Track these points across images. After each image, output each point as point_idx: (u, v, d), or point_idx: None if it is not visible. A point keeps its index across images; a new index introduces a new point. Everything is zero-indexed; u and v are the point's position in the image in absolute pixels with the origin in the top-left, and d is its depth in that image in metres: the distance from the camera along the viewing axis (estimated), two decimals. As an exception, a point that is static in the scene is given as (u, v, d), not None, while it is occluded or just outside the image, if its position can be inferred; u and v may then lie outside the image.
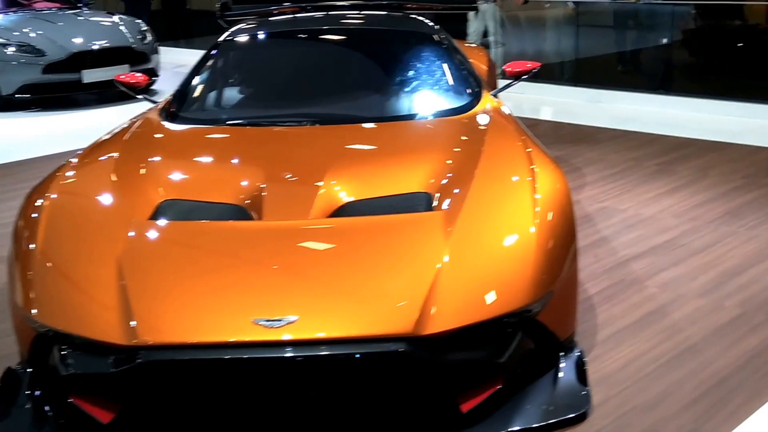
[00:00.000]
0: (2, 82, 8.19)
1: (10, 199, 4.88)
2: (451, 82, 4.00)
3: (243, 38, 4.32)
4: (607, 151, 5.94)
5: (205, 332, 2.37)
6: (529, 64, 4.51)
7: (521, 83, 4.61)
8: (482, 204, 2.85)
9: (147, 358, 2.33)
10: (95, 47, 8.44)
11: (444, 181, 3.03)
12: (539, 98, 8.05)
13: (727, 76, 8.06)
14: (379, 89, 3.93)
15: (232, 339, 2.35)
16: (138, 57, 8.73)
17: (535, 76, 4.54)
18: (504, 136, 3.43)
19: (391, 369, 2.43)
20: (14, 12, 9.10)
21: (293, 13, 4.76)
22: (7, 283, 2.78)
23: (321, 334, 2.36)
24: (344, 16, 4.63)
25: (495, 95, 4.26)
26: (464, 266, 2.58)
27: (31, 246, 2.74)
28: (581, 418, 2.62)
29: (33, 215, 2.90)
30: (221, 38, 4.31)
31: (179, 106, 3.90)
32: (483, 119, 3.61)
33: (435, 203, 2.92)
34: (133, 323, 2.37)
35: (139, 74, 4.52)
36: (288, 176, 3.17)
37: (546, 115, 7.57)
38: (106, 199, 3.00)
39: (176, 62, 9.77)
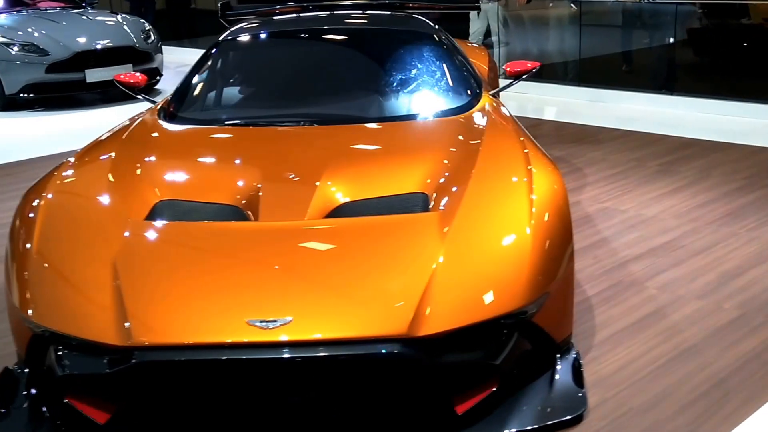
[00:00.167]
0: (6, 81, 8.22)
1: (12, 198, 4.86)
2: (450, 82, 4.00)
3: (242, 38, 4.32)
4: (609, 151, 5.93)
5: (200, 333, 2.37)
6: (529, 64, 4.49)
7: (525, 83, 4.59)
8: (478, 205, 2.84)
9: (141, 359, 2.33)
10: (99, 47, 8.46)
11: (441, 182, 3.02)
12: (542, 98, 8.04)
13: (732, 76, 8.02)
14: (378, 89, 3.92)
15: (227, 340, 2.34)
16: (141, 56, 8.75)
17: (539, 76, 4.55)
18: (502, 137, 3.42)
19: (386, 370, 2.42)
20: (18, 11, 9.12)
21: (294, 12, 4.76)
22: (5, 283, 2.78)
23: (315, 336, 2.36)
24: (344, 16, 4.63)
25: (495, 95, 4.25)
26: (459, 267, 2.58)
27: (27, 246, 2.75)
28: (577, 420, 2.61)
29: (30, 215, 2.91)
30: (221, 38, 4.31)
31: (177, 106, 3.90)
32: (481, 119, 3.60)
33: (432, 204, 2.91)
34: (127, 324, 2.38)
35: (138, 74, 4.52)
36: (284, 177, 3.16)
37: (549, 114, 7.55)
38: (102, 199, 3.00)
39: (180, 62, 9.79)
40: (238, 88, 4.20)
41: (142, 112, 3.95)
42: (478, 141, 3.31)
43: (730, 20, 8.44)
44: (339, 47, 4.32)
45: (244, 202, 2.99)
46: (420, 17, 4.65)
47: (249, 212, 2.92)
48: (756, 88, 7.32)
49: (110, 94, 8.57)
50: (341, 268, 2.59)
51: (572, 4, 8.70)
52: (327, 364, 2.36)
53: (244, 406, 2.43)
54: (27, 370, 2.67)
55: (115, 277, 2.53)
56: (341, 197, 2.99)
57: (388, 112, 3.78)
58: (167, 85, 8.49)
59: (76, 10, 9.30)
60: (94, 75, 8.30)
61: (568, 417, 2.60)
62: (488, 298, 2.51)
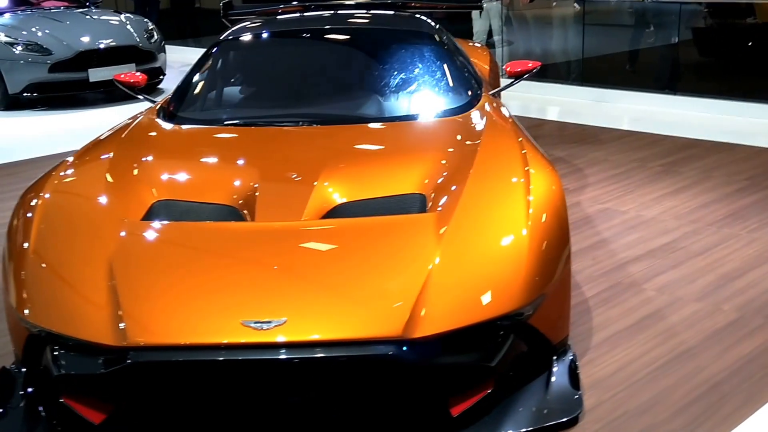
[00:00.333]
0: (9, 80, 8.24)
1: (14, 198, 4.85)
2: (450, 82, 3.99)
3: (243, 38, 4.31)
4: (611, 151, 5.91)
5: (195, 333, 2.37)
6: (530, 64, 4.47)
7: (528, 83, 4.58)
8: (475, 206, 2.83)
9: (136, 359, 2.33)
10: (102, 46, 8.48)
11: (438, 182, 3.02)
12: (545, 98, 8.03)
13: (738, 76, 8.00)
14: (377, 89, 3.92)
15: (221, 340, 2.34)
16: (144, 56, 8.77)
17: (542, 76, 4.53)
18: (500, 137, 3.41)
19: (380, 372, 2.42)
20: (23, 11, 9.15)
21: (296, 12, 4.76)
22: (2, 283, 2.79)
23: (309, 337, 2.36)
24: (344, 16, 4.62)
25: (495, 95, 4.25)
26: (456, 268, 2.57)
27: (25, 245, 2.75)
28: (573, 422, 2.61)
29: (28, 215, 2.92)
30: (221, 37, 4.32)
31: (177, 106, 3.90)
32: (480, 120, 3.60)
33: (429, 204, 2.91)
34: (122, 324, 2.38)
35: (138, 73, 4.53)
36: (281, 177, 3.17)
37: (551, 114, 7.54)
38: (99, 198, 3.00)
39: (184, 61, 9.80)
40: (237, 87, 4.21)
41: (142, 112, 3.96)
42: (477, 141, 3.30)
43: (736, 20, 8.41)
44: (338, 47, 4.32)
45: (241, 202, 2.99)
46: (421, 17, 4.64)
47: (246, 212, 2.92)
48: (761, 87, 7.30)
49: (113, 94, 8.59)
50: (337, 269, 2.59)
51: (575, 4, 8.68)
52: (321, 365, 2.36)
53: (238, 406, 2.43)
54: (24, 369, 2.68)
55: (110, 278, 2.53)
56: (338, 198, 2.99)
57: (387, 112, 3.78)
58: (171, 84, 8.49)
59: (80, 10, 9.32)
60: (97, 74, 8.32)
61: (564, 419, 2.59)
62: (484, 299, 2.51)
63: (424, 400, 2.51)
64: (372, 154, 3.48)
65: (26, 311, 2.54)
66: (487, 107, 3.76)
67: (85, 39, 8.48)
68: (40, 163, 5.90)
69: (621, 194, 4.89)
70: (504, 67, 4.63)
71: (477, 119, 3.61)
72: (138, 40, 8.81)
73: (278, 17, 4.72)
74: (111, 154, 3.34)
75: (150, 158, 3.33)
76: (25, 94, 8.28)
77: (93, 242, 2.72)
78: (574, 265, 3.79)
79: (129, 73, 4.46)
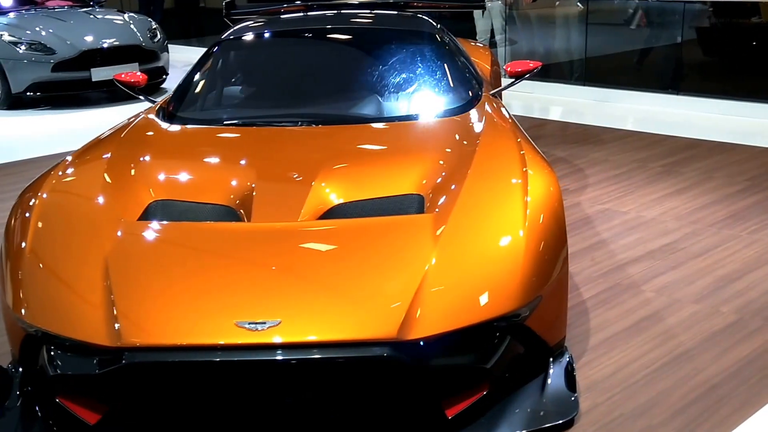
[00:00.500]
0: (12, 80, 8.25)
1: (17, 197, 4.91)
2: (450, 82, 3.98)
3: (244, 37, 4.31)
4: (612, 151, 5.90)
5: (189, 334, 2.37)
6: (531, 64, 4.46)
7: (531, 83, 4.57)
8: (473, 206, 2.83)
9: (131, 360, 2.33)
10: (105, 45, 8.49)
11: (437, 183, 3.01)
12: (547, 97, 8.01)
13: (742, 76, 7.97)
14: (377, 89, 3.91)
15: (215, 341, 2.34)
16: (147, 55, 8.77)
17: (545, 76, 4.52)
18: (499, 138, 3.41)
19: (375, 374, 2.42)
20: (27, 10, 9.17)
21: (298, 12, 4.76)
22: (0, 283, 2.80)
23: (304, 338, 2.35)
24: (345, 16, 4.62)
25: (495, 95, 4.24)
26: (452, 269, 2.57)
27: (22, 245, 2.76)
28: (568, 424, 2.60)
29: (25, 214, 2.92)
30: (222, 37, 4.32)
31: (177, 106, 3.90)
32: (480, 120, 3.59)
33: (428, 205, 2.90)
34: (117, 325, 2.38)
35: (139, 73, 4.53)
36: (279, 177, 3.16)
37: (553, 114, 7.52)
38: (97, 198, 2.99)
39: (187, 60, 9.78)
40: (237, 87, 4.20)
41: (141, 112, 3.96)
42: (475, 142, 3.29)
43: (741, 19, 8.38)
44: (338, 47, 4.32)
45: (238, 202, 2.99)
46: (423, 17, 4.63)
47: (242, 212, 2.92)
48: (765, 87, 7.27)
49: (116, 93, 8.59)
50: (332, 270, 2.58)
51: (578, 3, 8.67)
52: (315, 366, 2.36)
53: (232, 407, 2.43)
54: (21, 369, 2.68)
55: (106, 278, 2.53)
56: (336, 198, 2.98)
57: (386, 113, 3.77)
58: (174, 84, 8.50)
59: (84, 9, 9.34)
60: (99, 74, 8.32)
61: (560, 421, 2.59)
62: (480, 300, 2.50)
63: (418, 401, 2.50)
64: (370, 154, 3.47)
65: (23, 311, 2.55)
66: (487, 108, 3.75)
67: (89, 38, 8.49)
68: (43, 163, 5.91)
69: (621, 195, 4.88)
70: (504, 67, 4.61)
71: (476, 120, 3.61)
72: (141, 39, 8.82)
73: (279, 17, 4.72)
74: (109, 154, 3.34)
75: (148, 158, 3.33)
76: (28, 94, 8.30)
77: (89, 242, 2.72)
78: (572, 266, 3.78)
79: (129, 73, 4.46)
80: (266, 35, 4.37)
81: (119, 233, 2.75)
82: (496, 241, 2.71)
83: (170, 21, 12.20)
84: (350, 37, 4.37)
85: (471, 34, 8.59)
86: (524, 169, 3.01)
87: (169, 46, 9.38)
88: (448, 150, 3.30)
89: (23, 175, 5.82)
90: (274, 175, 3.17)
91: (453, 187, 2.93)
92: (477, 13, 8.48)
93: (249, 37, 4.33)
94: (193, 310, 2.44)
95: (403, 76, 3.96)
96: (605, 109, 7.51)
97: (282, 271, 2.58)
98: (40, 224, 2.84)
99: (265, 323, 2.35)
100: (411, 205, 2.94)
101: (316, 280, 2.55)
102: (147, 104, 4.20)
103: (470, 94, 3.89)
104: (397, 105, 3.84)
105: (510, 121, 3.67)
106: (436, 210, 2.82)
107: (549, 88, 8.15)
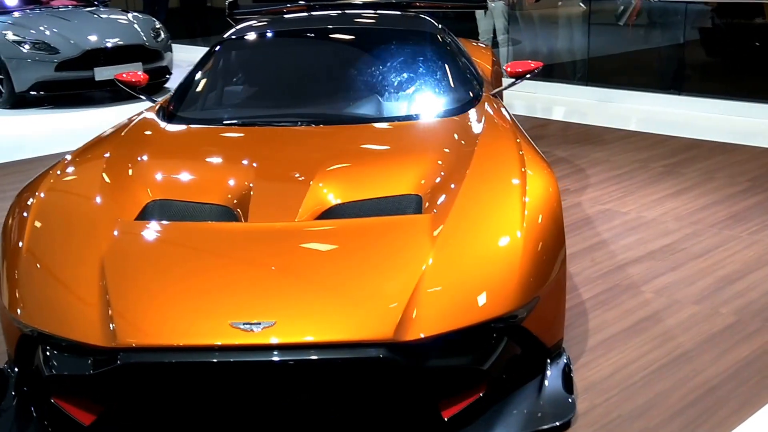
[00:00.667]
0: (16, 79, 8.27)
1: (16, 196, 4.92)
2: (450, 82, 3.97)
3: (245, 37, 4.31)
4: (614, 152, 5.89)
5: (184, 335, 2.37)
6: (532, 64, 4.45)
7: (533, 83, 4.56)
8: (471, 207, 2.82)
9: (126, 361, 2.33)
10: (109, 45, 8.50)
11: (435, 183, 3.00)
12: (550, 97, 7.99)
13: (745, 76, 7.94)
14: (377, 89, 3.91)
15: (210, 342, 2.33)
16: (151, 55, 8.78)
17: (548, 76, 4.50)
18: (498, 138, 3.39)
19: (371, 375, 2.41)
20: (32, 9, 9.19)
21: (301, 12, 4.76)
22: None
23: (298, 339, 2.35)
24: (347, 16, 4.62)
25: (495, 95, 4.23)
26: (449, 270, 2.56)
27: (19, 245, 2.75)
28: (565, 426, 2.59)
29: (23, 214, 2.92)
30: (224, 37, 4.32)
31: (177, 105, 3.90)
32: (479, 120, 3.58)
33: (426, 205, 2.90)
34: (112, 325, 2.38)
35: (140, 73, 4.53)
36: (277, 177, 3.16)
37: (555, 114, 7.51)
38: (94, 198, 2.99)
39: (192, 60, 9.73)
40: (238, 87, 4.20)
41: (142, 111, 3.96)
42: (474, 142, 3.28)
43: (744, 20, 8.36)
44: (339, 47, 4.31)
45: (235, 201, 2.98)
46: (424, 17, 4.62)
47: (239, 212, 2.92)
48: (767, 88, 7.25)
49: (119, 93, 8.59)
50: (328, 271, 2.57)
51: (581, 3, 8.65)
52: (310, 367, 2.35)
53: (227, 408, 2.43)
54: (16, 369, 2.68)
55: (101, 278, 2.53)
56: (333, 198, 2.97)
57: (386, 113, 3.77)
58: (177, 83, 8.51)
59: (88, 9, 9.36)
60: (102, 73, 8.33)
61: (557, 423, 2.58)
62: (478, 301, 2.49)
63: (415, 402, 2.50)
64: (369, 154, 3.47)
65: (18, 311, 2.54)
66: (487, 108, 3.74)
67: (92, 38, 8.50)
68: (46, 162, 5.88)
69: (622, 195, 4.86)
70: (504, 67, 4.60)
71: (476, 120, 3.60)
72: (144, 39, 8.83)
73: (281, 17, 4.72)
74: (108, 154, 3.34)
75: (146, 158, 3.33)
76: (31, 93, 8.31)
77: (86, 242, 2.72)
78: (572, 266, 3.78)
79: (130, 73, 4.45)
80: (268, 35, 4.37)
81: (116, 233, 2.75)
82: (493, 241, 2.70)
83: (176, 20, 12.21)
84: (350, 37, 4.36)
85: (473, 34, 8.58)
86: (523, 170, 3.00)
87: (174, 45, 9.39)
88: (447, 150, 3.29)
89: (26, 174, 5.81)
90: (272, 175, 3.17)
91: (452, 187, 2.92)
92: (479, 13, 8.46)
93: (250, 36, 4.33)
94: (188, 310, 2.43)
95: (404, 76, 3.95)
96: (607, 109, 7.49)
97: (278, 271, 2.58)
98: (37, 224, 2.84)
99: (259, 324, 2.35)
100: (409, 205, 2.93)
101: (312, 280, 2.54)
102: (149, 104, 4.20)
103: (470, 94, 3.88)
104: (396, 105, 3.83)
105: (510, 121, 3.66)
106: (434, 210, 2.81)
107: (552, 88, 8.13)
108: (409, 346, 2.37)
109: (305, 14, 4.74)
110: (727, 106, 7.05)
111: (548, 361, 2.73)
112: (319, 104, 3.88)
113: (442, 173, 3.07)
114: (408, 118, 3.68)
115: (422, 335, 2.37)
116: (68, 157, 3.39)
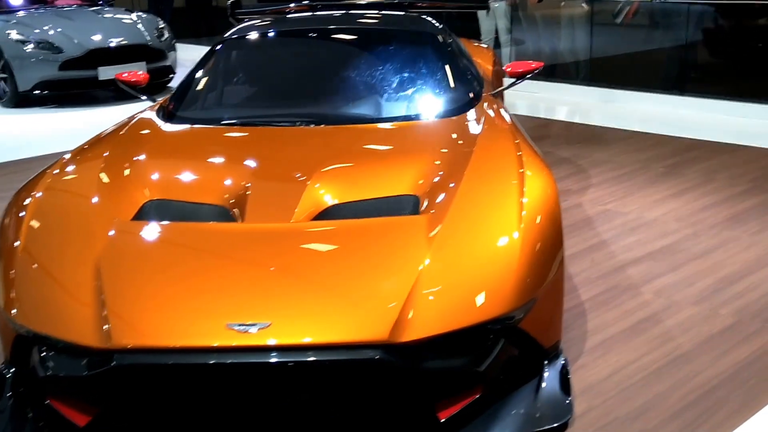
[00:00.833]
0: (19, 78, 8.29)
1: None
2: (450, 83, 3.96)
3: (246, 37, 4.31)
4: (615, 152, 5.87)
5: (180, 336, 2.36)
6: (533, 64, 4.43)
7: (536, 83, 4.55)
8: (468, 207, 2.81)
9: (120, 362, 2.32)
10: (112, 44, 8.52)
11: (433, 183, 2.99)
12: (552, 97, 7.98)
13: (748, 77, 7.91)
14: (377, 89, 3.90)
15: (206, 343, 2.32)
16: (154, 54, 8.80)
17: (550, 76, 4.49)
18: (497, 139, 3.38)
19: (366, 376, 2.39)
20: (36, 9, 9.22)
21: (303, 12, 4.75)
22: None
23: (294, 340, 2.34)
24: (348, 17, 4.61)
25: (496, 96, 4.22)
26: (446, 271, 2.54)
27: (15, 244, 2.75)
28: (562, 428, 2.58)
29: (20, 213, 2.91)
30: (225, 36, 4.32)
31: (177, 105, 3.90)
32: (478, 121, 3.57)
33: (424, 206, 2.89)
34: (107, 326, 2.37)
35: (141, 72, 4.53)
36: (274, 177, 3.15)
37: (558, 115, 7.49)
38: (91, 198, 2.98)
39: (196, 59, 9.79)
40: (238, 87, 4.20)
41: (142, 111, 3.96)
42: (473, 143, 3.27)
43: (748, 21, 8.32)
44: (339, 47, 4.30)
45: (232, 202, 2.97)
46: (426, 18, 4.61)
47: (236, 212, 2.91)
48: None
49: (123, 92, 8.59)
50: (324, 272, 2.56)
51: (584, 3, 8.63)
52: (306, 368, 2.34)
53: (223, 409, 2.43)
54: (12, 370, 2.68)
55: (97, 278, 2.52)
56: (330, 199, 2.96)
57: (385, 113, 3.76)
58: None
59: (92, 8, 9.38)
60: (106, 72, 8.35)
61: (554, 425, 2.56)
62: (473, 303, 2.47)
63: (411, 404, 2.49)
64: (367, 154, 3.46)
65: (13, 311, 2.54)
66: (487, 108, 3.73)
67: (96, 37, 8.52)
68: (48, 161, 5.88)
69: (623, 195, 4.85)
70: (504, 67, 4.59)
71: (475, 120, 3.59)
72: (148, 38, 8.84)
73: (282, 17, 4.72)
74: (107, 153, 3.34)
75: (144, 157, 3.32)
76: (35, 92, 8.33)
77: (82, 242, 2.71)
78: (571, 267, 3.77)
79: (131, 72, 4.46)
80: (268, 35, 4.36)
81: (112, 233, 2.74)
82: (491, 242, 2.69)
83: (181, 20, 12.21)
84: (350, 37, 4.36)
85: (476, 34, 8.56)
86: (521, 170, 2.98)
87: (179, 44, 9.40)
88: (445, 151, 3.28)
89: (28, 173, 5.78)
90: (270, 175, 3.16)
91: (450, 187, 2.91)
92: (481, 13, 8.45)
93: (251, 36, 4.32)
94: (184, 311, 2.42)
95: (404, 76, 3.95)
96: (610, 109, 7.48)
97: (274, 272, 2.56)
98: (33, 223, 2.83)
99: (255, 325, 2.34)
100: (406, 206, 2.92)
101: (309, 281, 2.53)
102: (150, 103, 4.21)
103: (470, 95, 3.87)
104: (396, 105, 3.82)
105: (509, 122, 3.64)
106: (432, 211, 2.80)
107: (554, 88, 8.12)
108: (405, 347, 2.35)
109: (306, 14, 4.73)
110: (729, 106, 7.03)
111: (545, 362, 2.72)
112: (318, 104, 3.88)
113: (440, 174, 3.06)
114: (407, 118, 3.67)
115: (418, 336, 2.36)
116: (66, 156, 3.39)
